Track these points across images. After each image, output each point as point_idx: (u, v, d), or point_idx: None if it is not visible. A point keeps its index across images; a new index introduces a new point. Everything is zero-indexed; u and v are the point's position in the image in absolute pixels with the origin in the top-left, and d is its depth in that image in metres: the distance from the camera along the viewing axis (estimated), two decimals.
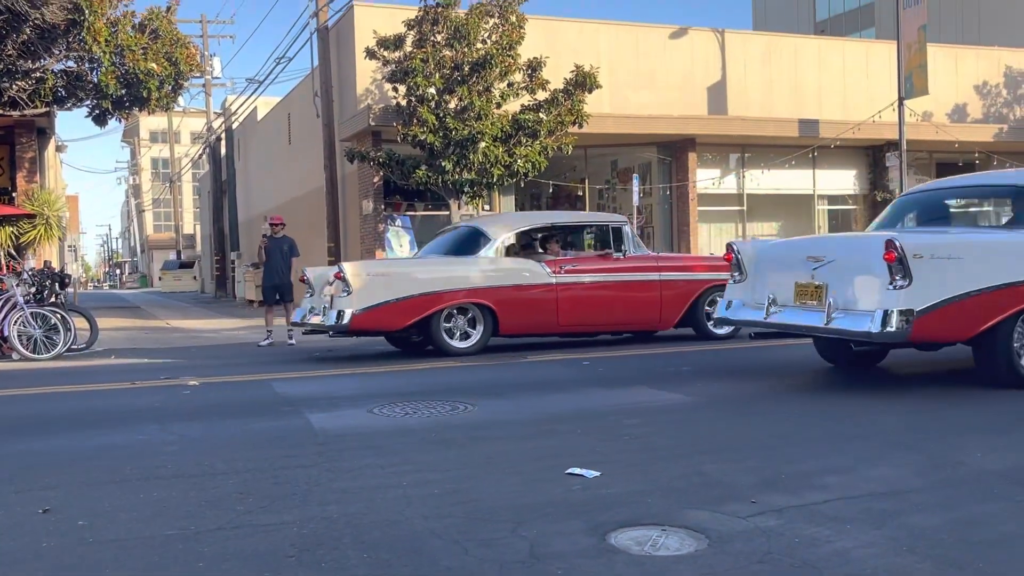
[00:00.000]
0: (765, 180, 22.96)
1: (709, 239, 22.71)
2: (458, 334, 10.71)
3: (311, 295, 11.46)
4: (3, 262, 17.95)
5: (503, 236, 11.24)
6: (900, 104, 20.62)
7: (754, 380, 8.12)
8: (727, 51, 22.74)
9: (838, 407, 6.60)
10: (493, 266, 10.93)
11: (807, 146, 22.51)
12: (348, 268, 10.64)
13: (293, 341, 13.29)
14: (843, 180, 24.07)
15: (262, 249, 13.88)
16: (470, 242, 11.31)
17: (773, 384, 7.85)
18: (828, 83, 23.55)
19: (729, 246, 8.25)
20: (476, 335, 10.74)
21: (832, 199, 24.14)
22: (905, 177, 21.20)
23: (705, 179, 22.40)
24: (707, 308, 11.61)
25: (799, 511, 3.84)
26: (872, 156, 23.76)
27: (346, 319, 10.26)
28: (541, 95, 17.62)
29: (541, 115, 17.16)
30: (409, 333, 11.00)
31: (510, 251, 11.35)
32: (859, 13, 46.69)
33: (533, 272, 10.97)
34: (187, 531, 3.74)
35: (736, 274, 8.10)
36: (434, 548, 3.46)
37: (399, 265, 11.49)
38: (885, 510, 3.85)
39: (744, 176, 23.08)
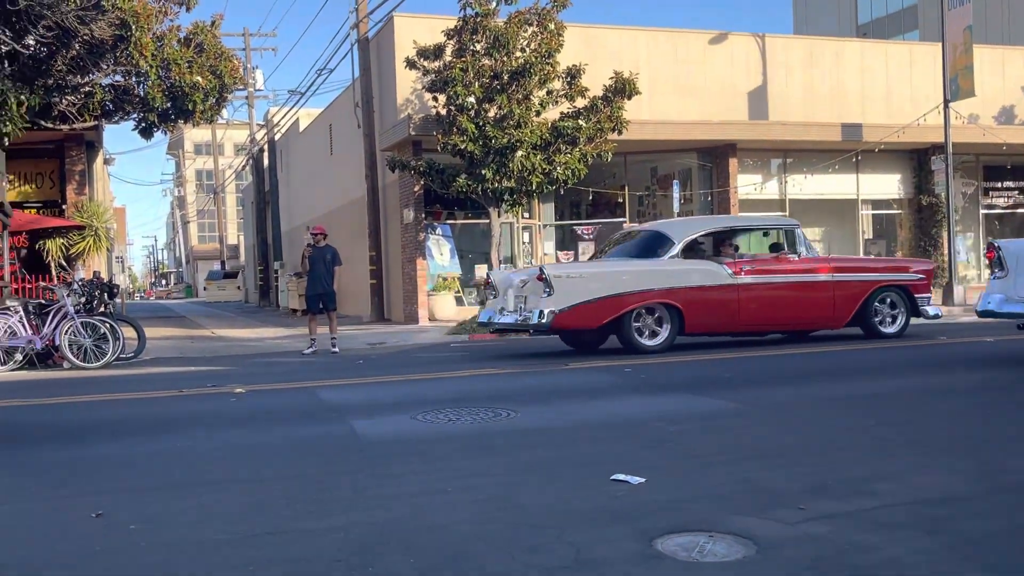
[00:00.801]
0: (808, 185, 22.73)
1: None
2: (647, 332, 11.22)
3: (494, 296, 12.23)
4: (54, 273, 18.32)
5: (685, 239, 11.71)
6: (946, 106, 20.31)
7: (803, 387, 8.04)
8: (768, 56, 22.57)
9: (888, 413, 6.50)
10: (679, 268, 11.45)
11: (850, 150, 22.25)
12: (549, 270, 11.35)
13: (336, 350, 13.40)
14: (887, 184, 23.74)
15: (305, 258, 14.02)
16: (653, 245, 11.81)
17: (824, 391, 7.75)
18: (871, 86, 23.26)
19: (991, 244, 9.05)
20: (663, 334, 11.26)
21: (876, 203, 23.82)
22: (951, 180, 20.88)
23: (746, 185, 22.22)
24: (876, 307, 12.22)
25: (849, 517, 3.79)
26: (917, 160, 23.41)
27: (548, 318, 10.89)
28: (580, 102, 17.62)
29: (580, 122, 17.16)
30: (602, 332, 11.66)
31: (688, 253, 11.76)
32: (902, 15, 46.05)
33: (716, 273, 11.48)
34: (236, 536, 3.78)
35: (997, 271, 8.86)
36: (480, 553, 3.46)
37: (594, 267, 11.99)
38: (938, 517, 3.78)
39: (786, 181, 22.86)
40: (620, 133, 17.62)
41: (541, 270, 11.30)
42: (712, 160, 22.27)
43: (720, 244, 12.25)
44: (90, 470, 5.29)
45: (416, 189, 19.60)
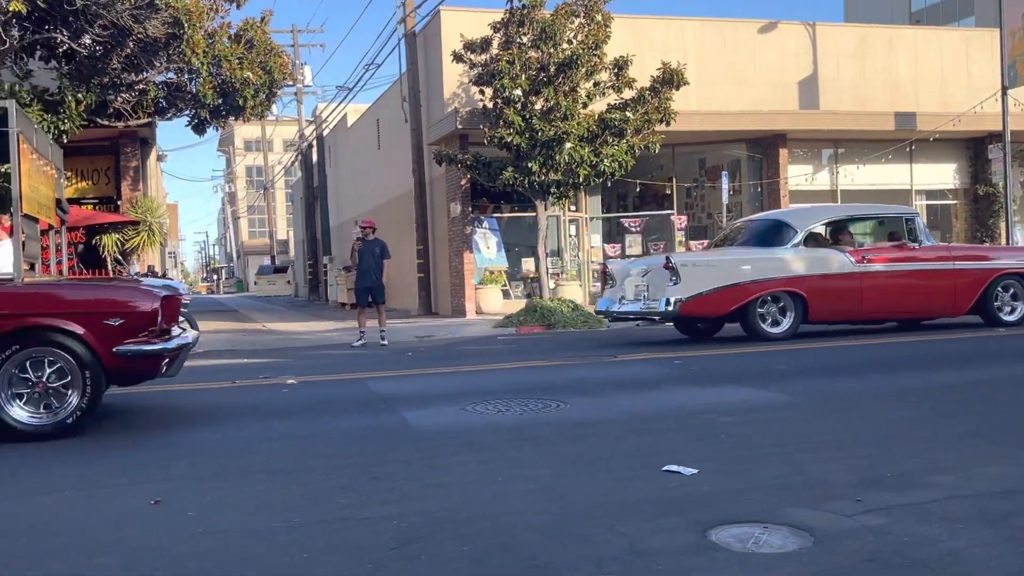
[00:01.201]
0: (860, 175, 22.37)
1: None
2: (769, 320, 11.35)
3: (612, 286, 12.47)
4: (110, 267, 18.70)
5: (808, 228, 11.82)
6: (1003, 94, 19.85)
7: (871, 378, 7.91)
8: (818, 44, 22.24)
9: (956, 405, 6.38)
10: (803, 256, 11.56)
11: (904, 140, 21.85)
12: (677, 259, 11.53)
13: (385, 342, 13.49)
14: (942, 174, 23.28)
15: (354, 252, 14.12)
16: (775, 234, 11.94)
17: (895, 382, 7.63)
18: (925, 74, 22.81)
19: None
20: (787, 321, 11.39)
21: (931, 194, 23.38)
22: (1010, 170, 20.40)
23: (797, 175, 21.93)
24: (998, 293, 12.15)
25: (907, 510, 3.72)
26: (973, 149, 22.93)
27: (675, 306, 11.13)
28: (628, 94, 17.53)
29: (628, 114, 17.07)
30: (718, 321, 11.95)
31: (809, 242, 11.80)
32: (957, 1, 45.09)
33: (839, 261, 11.58)
34: (291, 523, 3.83)
35: None
36: (531, 543, 3.46)
37: (720, 255, 12.08)
38: (1000, 510, 3.70)
39: (838, 172, 22.53)
40: (668, 124, 17.49)
41: (668, 259, 11.49)
42: (762, 151, 22.01)
43: (839, 233, 12.30)
44: (147, 459, 5.38)
45: (463, 183, 19.65)
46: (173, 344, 6.25)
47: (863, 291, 11.56)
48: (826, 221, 12.50)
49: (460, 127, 18.71)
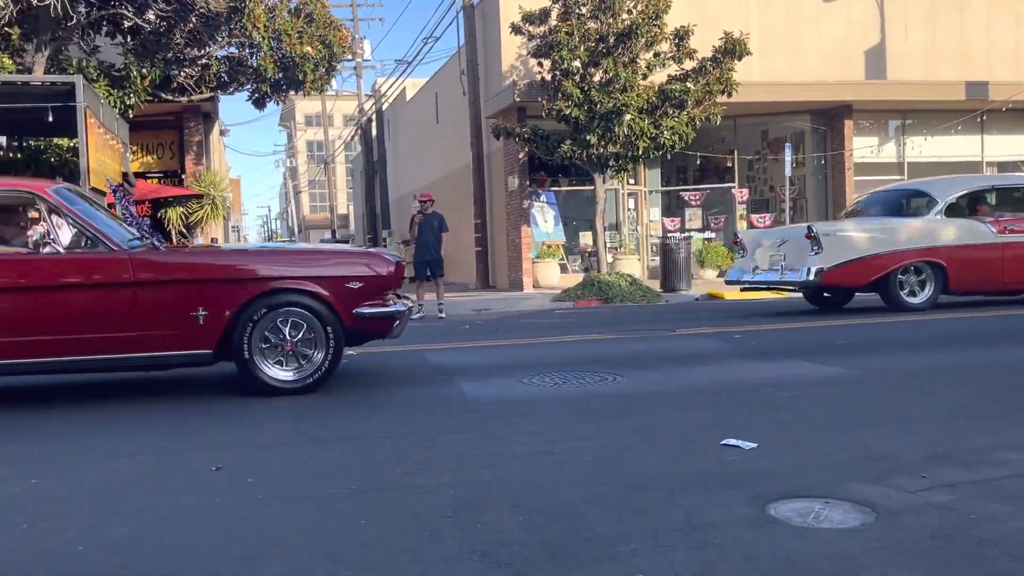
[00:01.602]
0: (928, 147, 21.77)
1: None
2: (908, 290, 11.36)
3: (743, 256, 12.64)
4: (175, 240, 19.08)
5: (949, 198, 11.71)
6: None
7: (922, 353, 7.73)
8: (886, 13, 21.61)
9: (1020, 380, 6.20)
10: (944, 226, 11.52)
11: (975, 110, 21.18)
12: (819, 228, 11.53)
13: (443, 315, 13.56)
14: (1016, 145, 22.52)
15: (414, 225, 14.19)
16: (916, 204, 11.98)
17: (968, 358, 7.43)
18: (998, 42, 22.04)
19: None
20: (926, 292, 11.39)
21: (1003, 166, 22.63)
22: None
23: (862, 147, 21.43)
24: None
25: (974, 487, 3.62)
26: None
27: (815, 275, 11.16)
28: (688, 64, 17.24)
29: (688, 85, 16.80)
30: (848, 292, 12.10)
31: (949, 212, 11.69)
32: None
33: (980, 232, 11.53)
34: (349, 491, 3.87)
35: None
36: (587, 514, 3.45)
37: (862, 225, 11.99)
38: None
39: (905, 143, 21.95)
40: (729, 95, 17.18)
41: (810, 228, 11.45)
42: (826, 122, 21.54)
43: (976, 203, 12.07)
44: (212, 426, 5.48)
45: (520, 156, 19.59)
46: (401, 307, 6.71)
47: (1004, 262, 11.45)
48: (967, 191, 12.16)
49: (518, 100, 18.62)
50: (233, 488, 3.99)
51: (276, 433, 5.18)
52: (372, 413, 5.74)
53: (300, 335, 6.32)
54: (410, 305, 7.08)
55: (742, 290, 13.70)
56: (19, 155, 17.93)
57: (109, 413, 6.00)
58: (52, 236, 6.05)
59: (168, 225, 19.18)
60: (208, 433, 5.27)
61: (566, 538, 3.20)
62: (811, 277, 11.17)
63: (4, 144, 18.36)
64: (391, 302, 6.64)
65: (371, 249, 7.89)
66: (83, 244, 6.13)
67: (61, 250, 6.04)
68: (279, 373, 6.32)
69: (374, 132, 35.42)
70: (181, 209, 19.19)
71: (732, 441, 4.48)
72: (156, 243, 7.14)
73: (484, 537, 3.23)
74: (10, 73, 13.72)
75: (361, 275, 6.48)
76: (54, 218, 6.13)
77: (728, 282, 13.28)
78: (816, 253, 11.20)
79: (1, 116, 13.24)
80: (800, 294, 12.87)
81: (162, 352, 6.14)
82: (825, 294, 12.39)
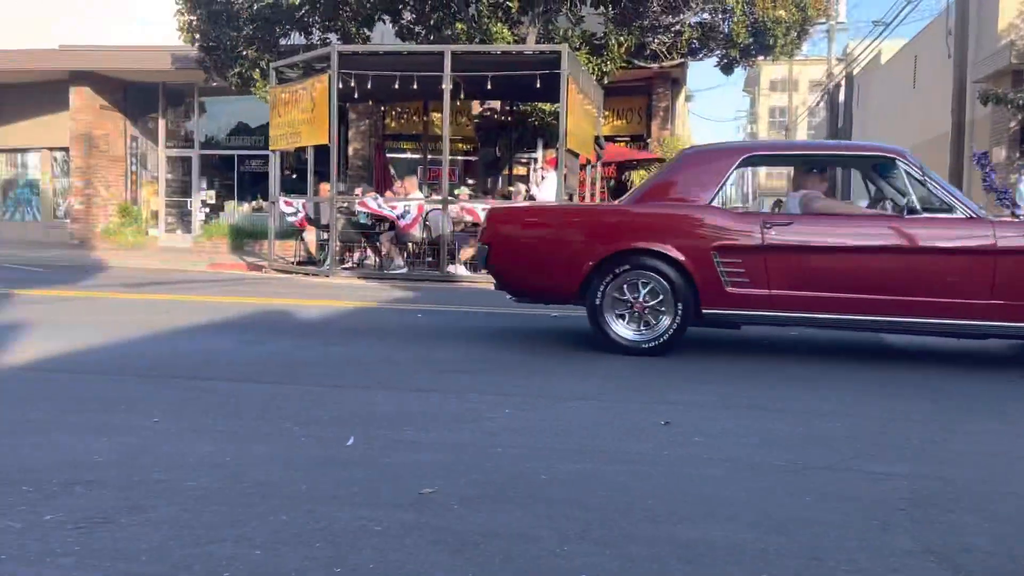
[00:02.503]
0: None
1: None
2: None
3: None
4: None
5: None
6: None
7: None
8: None
9: None
10: None
11: None
12: None
13: None
14: None
15: None
16: None
17: None
18: None
19: None
20: None
21: None
22: None
23: None
24: None
25: None
26: None
27: None
28: None
29: None
30: None
31: None
32: None
33: None
34: (795, 465, 3.81)
35: None
36: None
37: None
38: None
39: None
40: None
41: None
42: None
43: None
44: (655, 383, 5.70)
45: (1012, 125, 17.47)
46: None
47: None
48: None
49: (1014, 62, 16.59)
50: (679, 444, 4.13)
51: (722, 396, 5.24)
52: (818, 385, 5.57)
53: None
54: None
55: None
56: (508, 118, 19.92)
57: (576, 356, 6.51)
58: (913, 200, 6.29)
59: (630, 187, 20.14)
60: (655, 389, 5.50)
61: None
62: None
63: (498, 108, 20.52)
64: None
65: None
66: (935, 209, 6.36)
67: (923, 213, 6.28)
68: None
69: (841, 97, 33.80)
70: (644, 172, 20.00)
71: None
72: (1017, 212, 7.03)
73: (941, 538, 2.99)
74: (507, 43, 15.23)
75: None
76: (912, 182, 6.35)
77: None
78: None
79: (499, 82, 14.79)
80: None
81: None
82: None
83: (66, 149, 24.02)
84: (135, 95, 24.40)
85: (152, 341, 6.97)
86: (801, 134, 66.54)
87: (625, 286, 6.55)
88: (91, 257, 18.48)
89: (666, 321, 6.49)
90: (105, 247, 22.24)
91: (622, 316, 6.57)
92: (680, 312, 6.44)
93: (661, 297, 6.48)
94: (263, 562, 2.66)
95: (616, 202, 8.64)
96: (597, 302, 6.57)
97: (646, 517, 3.13)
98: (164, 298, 10.46)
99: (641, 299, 6.52)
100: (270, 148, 16.68)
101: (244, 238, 21.34)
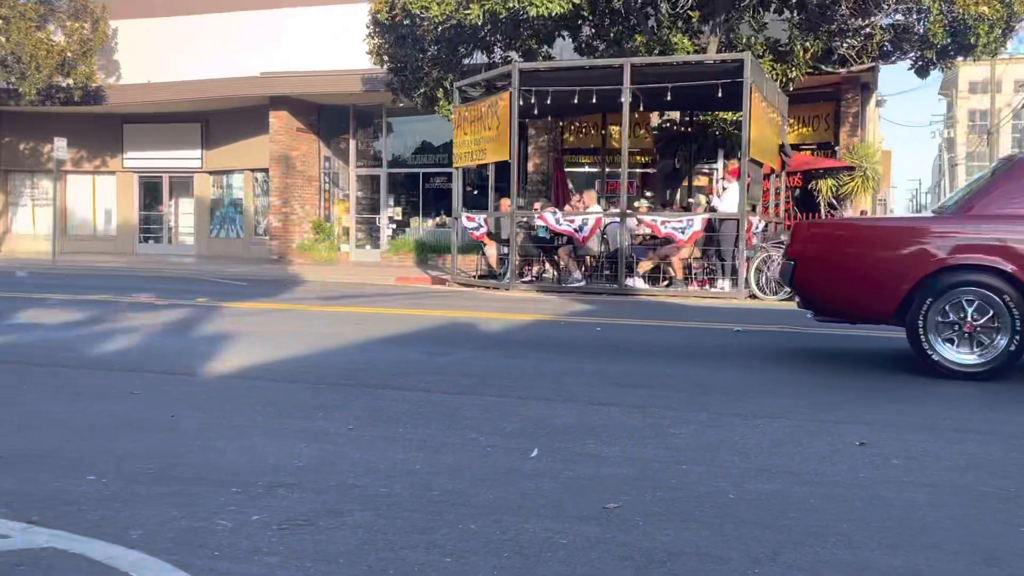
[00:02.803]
0: None
1: None
2: None
3: None
4: (822, 212, 19.24)
5: None
6: None
7: None
8: None
9: None
10: None
11: None
12: None
13: None
14: None
15: None
16: None
17: None
18: None
19: None
20: None
21: None
22: None
23: None
24: None
25: None
26: None
27: None
28: None
29: None
30: None
31: None
32: None
33: None
34: (1007, 492, 3.54)
35: None
36: None
37: None
38: None
39: None
40: None
41: None
42: None
43: None
44: (855, 398, 5.45)
45: None
46: None
47: None
48: None
49: None
50: (875, 466, 3.93)
51: (922, 416, 4.95)
52: (1000, 401, 5.17)
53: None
54: None
55: None
56: (688, 128, 19.66)
57: (762, 374, 6.33)
58: None
59: (818, 197, 19.41)
60: (848, 407, 5.26)
61: None
62: None
63: (677, 119, 20.29)
64: None
65: None
66: None
67: None
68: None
69: None
70: (832, 181, 19.24)
71: None
72: None
73: None
74: (687, 53, 15.05)
75: None
76: None
77: None
78: None
79: (678, 93, 14.64)
80: None
81: None
82: None
83: (266, 170, 25.61)
84: (328, 117, 25.76)
85: (346, 351, 7.31)
86: (1005, 139, 62.09)
87: (948, 306, 6.08)
88: (288, 272, 19.59)
89: (1002, 341, 5.99)
90: (301, 262, 23.54)
91: (950, 340, 6.12)
92: (1020, 331, 5.91)
93: (992, 313, 6.00)
94: (454, 570, 2.73)
95: (931, 213, 8.17)
96: (920, 323, 6.12)
97: (841, 542, 2.99)
98: (356, 311, 10.95)
99: (969, 318, 6.05)
100: (453, 165, 17.18)
101: (428, 253, 22.07)
